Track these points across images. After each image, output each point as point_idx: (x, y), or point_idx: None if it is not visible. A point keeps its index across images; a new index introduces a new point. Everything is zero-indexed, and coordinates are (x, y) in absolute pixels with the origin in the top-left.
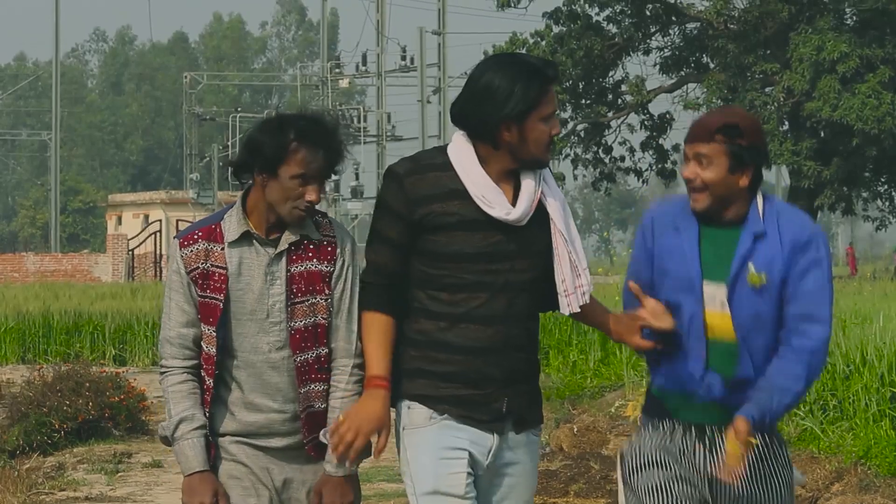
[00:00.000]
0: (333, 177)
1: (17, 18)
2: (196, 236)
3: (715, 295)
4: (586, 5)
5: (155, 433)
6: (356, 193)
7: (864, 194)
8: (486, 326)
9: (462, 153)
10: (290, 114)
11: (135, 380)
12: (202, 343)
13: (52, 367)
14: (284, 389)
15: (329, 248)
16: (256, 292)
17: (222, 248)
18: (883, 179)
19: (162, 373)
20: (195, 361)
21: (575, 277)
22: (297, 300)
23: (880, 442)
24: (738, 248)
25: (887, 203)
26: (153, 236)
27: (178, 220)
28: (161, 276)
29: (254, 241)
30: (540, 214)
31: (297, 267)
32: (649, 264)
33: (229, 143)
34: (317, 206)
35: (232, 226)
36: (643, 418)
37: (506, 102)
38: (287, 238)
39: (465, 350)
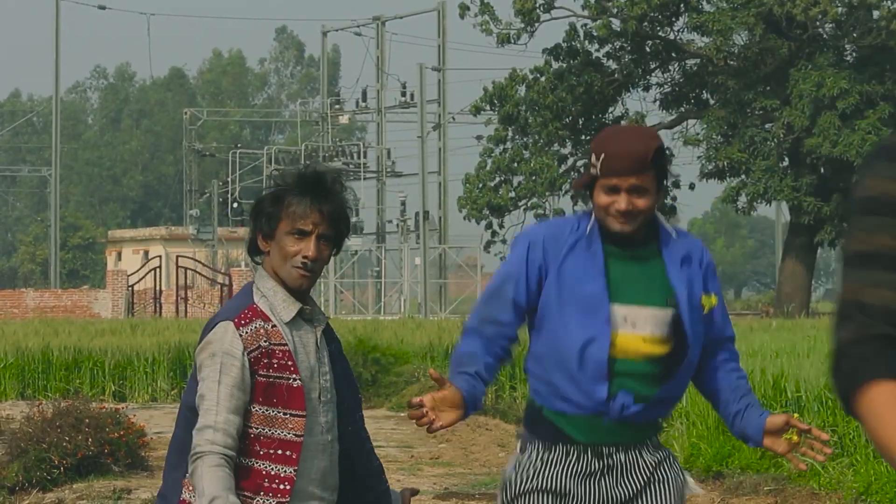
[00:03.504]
0: (345, 240)
1: (13, 55)
2: (249, 315)
3: (627, 316)
4: (586, 41)
5: (154, 469)
6: (356, 229)
7: None
8: None
9: None
10: (283, 171)
11: (134, 416)
12: (278, 431)
13: (52, 403)
14: (326, 474)
15: (330, 326)
16: (309, 371)
17: (274, 326)
18: None
19: (195, 457)
20: (233, 451)
21: None
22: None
23: (881, 478)
24: (674, 273)
25: None
26: (153, 272)
27: (177, 256)
28: (160, 313)
29: (303, 319)
30: None
31: (331, 345)
32: (526, 283)
33: (229, 179)
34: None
35: (278, 304)
36: (529, 439)
37: None
38: (320, 316)
39: None
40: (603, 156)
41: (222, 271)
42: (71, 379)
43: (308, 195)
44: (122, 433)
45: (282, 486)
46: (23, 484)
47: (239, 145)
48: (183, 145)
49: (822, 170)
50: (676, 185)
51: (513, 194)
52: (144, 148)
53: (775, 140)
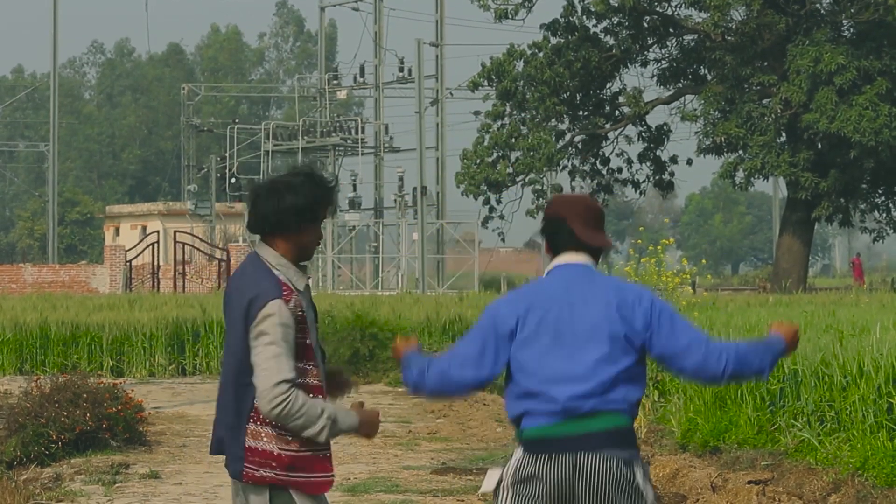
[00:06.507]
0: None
1: (15, 31)
2: (287, 293)
3: None
4: (584, 17)
5: (152, 444)
6: (354, 205)
7: (862, 206)
8: None
9: None
10: (304, 171)
11: (132, 391)
12: (308, 379)
13: (50, 379)
14: None
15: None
16: (314, 330)
17: (297, 296)
18: (880, 191)
19: (286, 401)
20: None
21: None
22: None
23: (877, 453)
24: None
25: (884, 214)
26: (151, 247)
27: (175, 232)
28: (158, 288)
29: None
30: None
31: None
32: None
33: (227, 155)
34: None
35: (292, 276)
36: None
37: None
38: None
39: None
40: None
41: (220, 246)
42: (69, 354)
43: (331, 195)
44: (119, 408)
45: None
46: (21, 459)
47: (237, 120)
48: (181, 121)
49: (820, 145)
50: (674, 160)
51: (510, 170)
52: (142, 123)
53: (773, 115)
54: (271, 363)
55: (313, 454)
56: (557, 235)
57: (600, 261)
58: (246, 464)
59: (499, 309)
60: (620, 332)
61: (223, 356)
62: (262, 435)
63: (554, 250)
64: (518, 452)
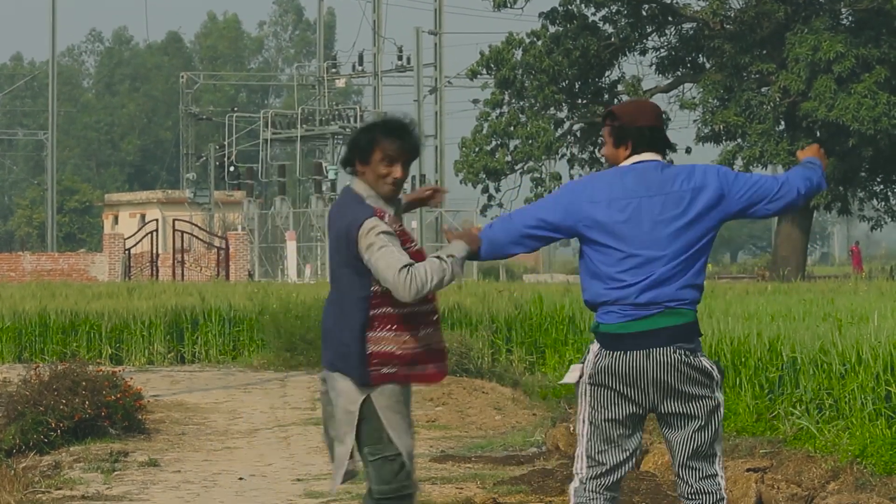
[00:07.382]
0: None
1: (13, 18)
2: (380, 211)
3: None
4: (582, 5)
5: (151, 431)
6: None
7: (860, 194)
8: None
9: None
10: (374, 119)
11: (131, 379)
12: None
13: (49, 366)
14: None
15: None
16: None
17: (391, 216)
18: (878, 179)
19: (413, 280)
20: None
21: None
22: None
23: (876, 441)
24: None
25: (883, 202)
26: (150, 236)
27: (174, 220)
28: (157, 276)
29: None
30: None
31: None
32: None
33: (226, 143)
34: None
35: (382, 205)
36: None
37: None
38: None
39: None
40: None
41: (219, 234)
42: (68, 342)
43: (397, 137)
44: (118, 396)
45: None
46: (20, 447)
47: (235, 109)
48: (179, 109)
49: (818, 133)
50: (673, 148)
51: (509, 158)
52: (141, 112)
53: (771, 104)
54: (386, 260)
55: (426, 350)
56: (642, 137)
57: None
58: (371, 367)
59: (578, 191)
60: (693, 214)
61: (330, 281)
62: (382, 340)
63: (631, 149)
64: (594, 347)
